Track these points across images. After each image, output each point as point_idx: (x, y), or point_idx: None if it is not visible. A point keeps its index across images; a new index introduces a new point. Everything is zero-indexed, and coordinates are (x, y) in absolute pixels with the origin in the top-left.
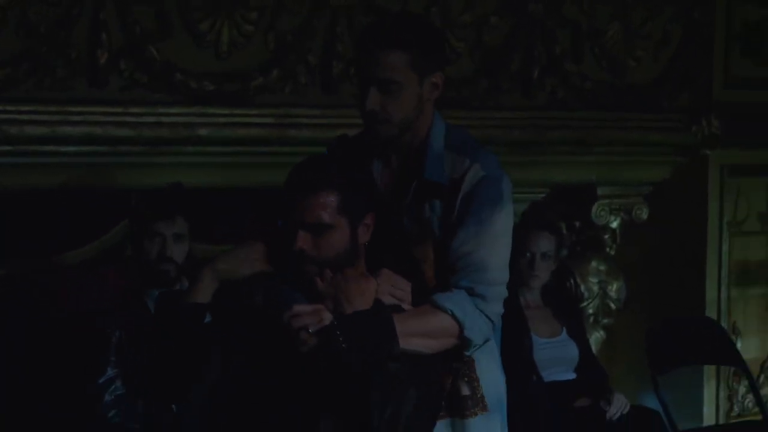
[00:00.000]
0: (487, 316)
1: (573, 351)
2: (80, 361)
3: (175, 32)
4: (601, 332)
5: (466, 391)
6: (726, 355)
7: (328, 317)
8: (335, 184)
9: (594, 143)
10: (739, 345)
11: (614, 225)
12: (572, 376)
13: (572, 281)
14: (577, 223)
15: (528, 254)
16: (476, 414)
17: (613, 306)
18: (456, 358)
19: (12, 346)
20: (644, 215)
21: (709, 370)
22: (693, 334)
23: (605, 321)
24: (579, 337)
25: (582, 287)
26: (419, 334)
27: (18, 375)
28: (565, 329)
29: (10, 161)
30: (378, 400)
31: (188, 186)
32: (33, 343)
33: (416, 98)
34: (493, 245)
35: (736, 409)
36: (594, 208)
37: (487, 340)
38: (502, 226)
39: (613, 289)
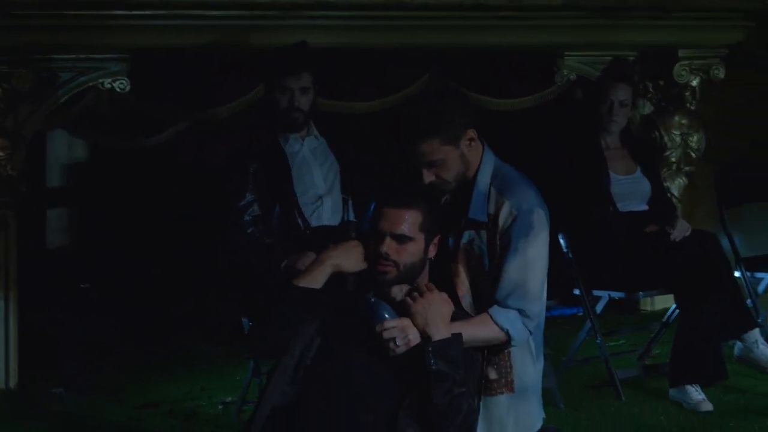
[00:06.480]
0: (529, 331)
1: (645, 186)
2: (228, 188)
3: None
4: (683, 178)
5: (494, 375)
6: None
7: (413, 333)
8: (421, 205)
9: (672, 8)
10: None
11: (694, 83)
12: (644, 207)
13: (657, 133)
14: (661, 82)
15: (608, 102)
16: (502, 393)
17: (693, 155)
18: (493, 351)
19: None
20: (721, 74)
21: None
22: (760, 175)
23: (687, 168)
24: (652, 175)
25: (666, 138)
26: (476, 341)
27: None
28: (639, 168)
29: (165, 23)
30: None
31: (315, 46)
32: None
33: (459, 159)
34: (532, 269)
35: None
36: (675, 68)
37: None
38: (535, 252)
39: (694, 140)
